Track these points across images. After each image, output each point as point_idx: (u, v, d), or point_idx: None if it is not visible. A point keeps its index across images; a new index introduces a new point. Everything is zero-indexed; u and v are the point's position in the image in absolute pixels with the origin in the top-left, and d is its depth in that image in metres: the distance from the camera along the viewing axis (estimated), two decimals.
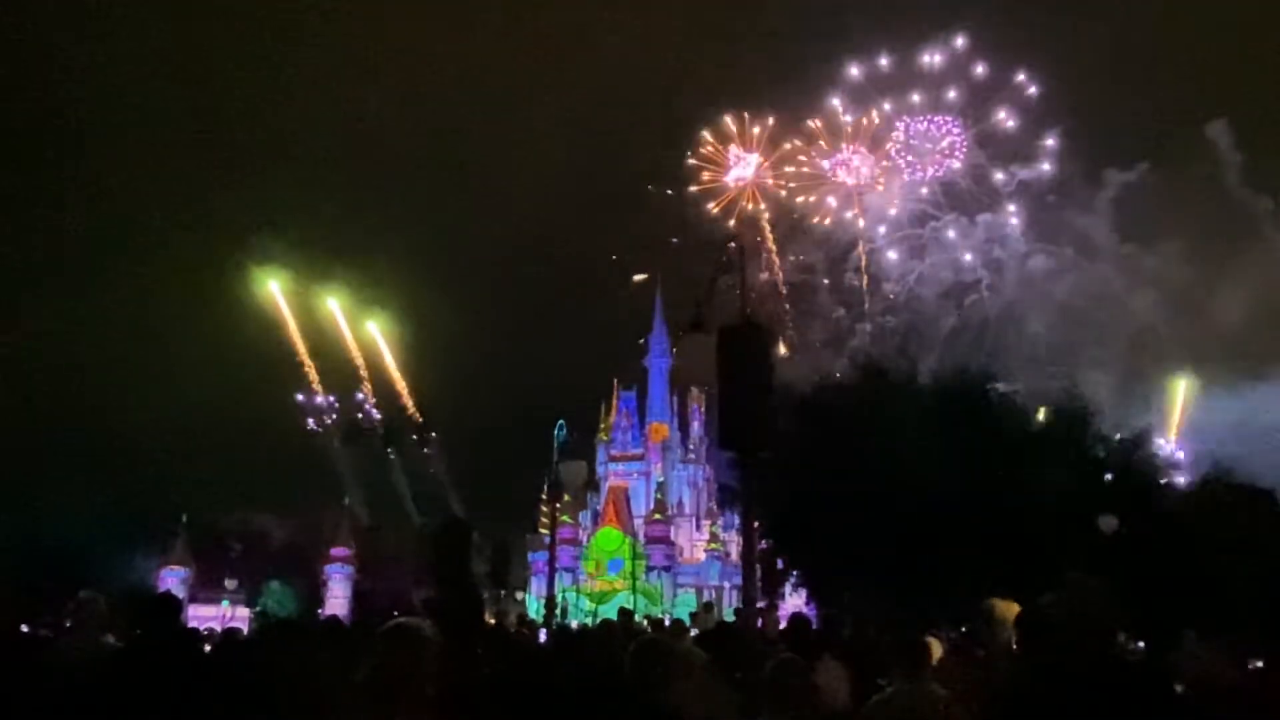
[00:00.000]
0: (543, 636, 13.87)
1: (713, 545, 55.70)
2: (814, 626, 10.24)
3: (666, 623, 14.15)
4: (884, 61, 56.32)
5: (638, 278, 58.36)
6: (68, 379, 54.29)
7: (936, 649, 5.78)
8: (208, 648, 7.78)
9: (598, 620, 16.13)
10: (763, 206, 56.72)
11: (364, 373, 62.96)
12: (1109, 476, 27.05)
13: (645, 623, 14.65)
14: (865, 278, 52.61)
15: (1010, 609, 4.70)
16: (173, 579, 50.47)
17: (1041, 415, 29.41)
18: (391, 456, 58.37)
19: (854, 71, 56.10)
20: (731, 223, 53.88)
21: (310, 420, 59.59)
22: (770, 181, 54.65)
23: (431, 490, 57.83)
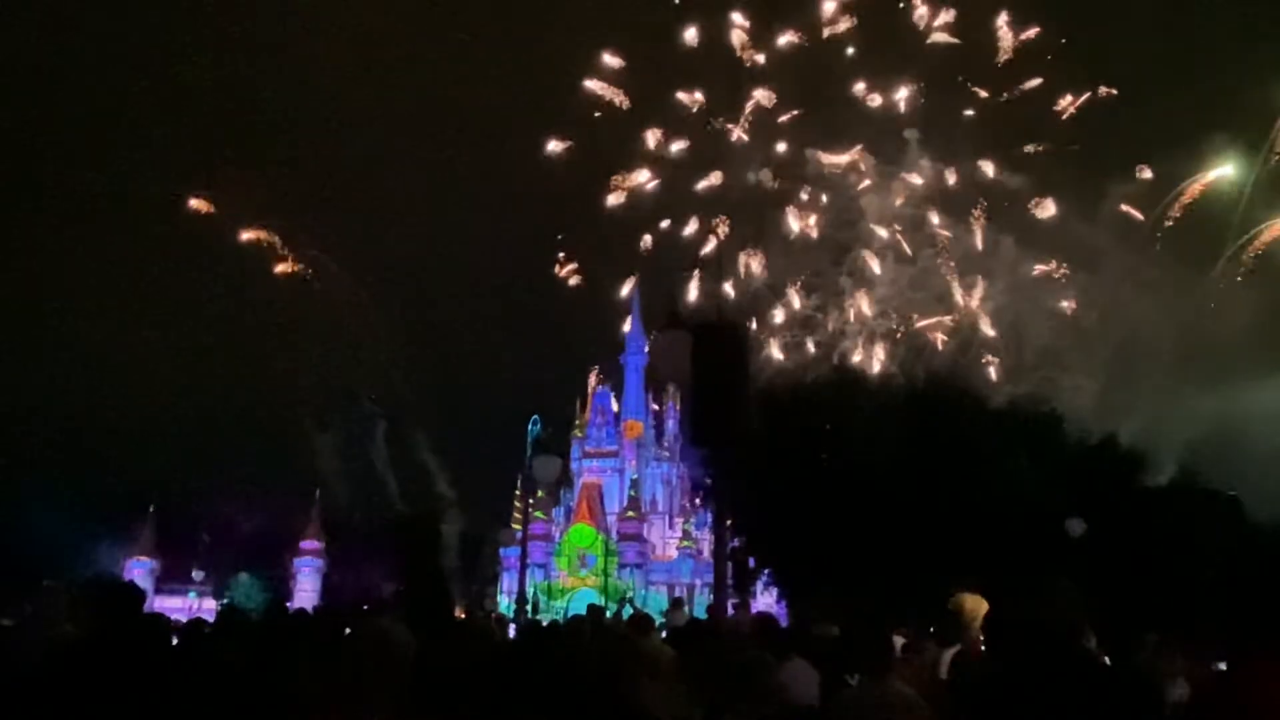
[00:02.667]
0: (512, 631, 13.83)
1: (685, 543, 55.82)
2: (784, 625, 10.27)
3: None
4: None
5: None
6: (28, 363, 53.47)
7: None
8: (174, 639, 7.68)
9: (568, 616, 16.11)
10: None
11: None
12: (1079, 478, 27.38)
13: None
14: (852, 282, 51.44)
15: (980, 605, 4.71)
16: (139, 569, 49.89)
17: (1013, 418, 29.69)
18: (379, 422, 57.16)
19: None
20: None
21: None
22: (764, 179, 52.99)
23: (414, 478, 57.38)
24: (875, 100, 49.85)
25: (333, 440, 57.64)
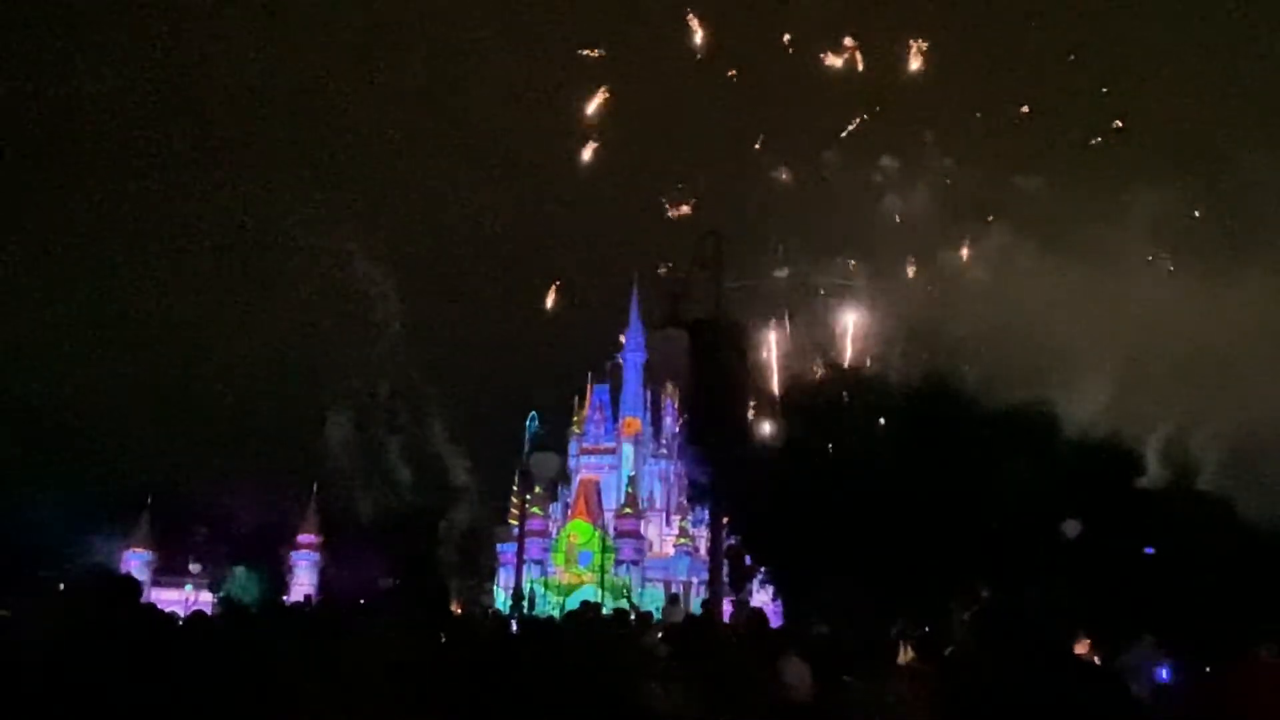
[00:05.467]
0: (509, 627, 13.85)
1: (682, 540, 55.87)
2: (779, 623, 10.31)
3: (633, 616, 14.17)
4: None
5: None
6: (25, 354, 53.41)
7: (903, 650, 5.87)
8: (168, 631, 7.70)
9: (564, 612, 16.12)
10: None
11: None
12: (1076, 479, 27.34)
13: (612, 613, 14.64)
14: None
15: None
16: (135, 561, 49.90)
17: (1011, 418, 29.59)
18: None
19: None
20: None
21: None
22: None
23: (413, 473, 57.31)
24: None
25: (333, 433, 57.64)
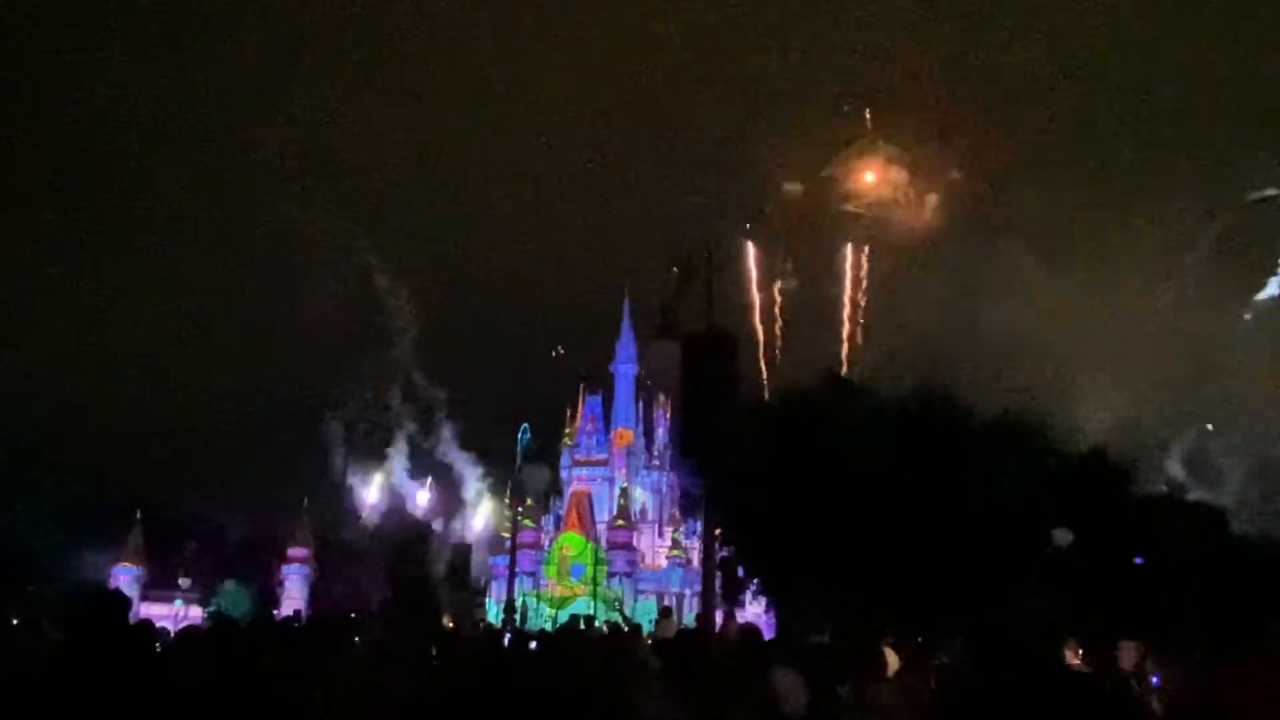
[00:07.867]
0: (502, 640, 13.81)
1: (675, 552, 55.73)
2: (771, 635, 10.31)
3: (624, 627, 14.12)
4: None
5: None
6: (13, 366, 53.14)
7: (893, 660, 5.90)
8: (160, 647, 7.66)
9: (557, 625, 16.06)
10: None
11: None
12: (1067, 488, 27.43)
13: (604, 627, 14.60)
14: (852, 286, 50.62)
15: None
16: (125, 576, 49.55)
17: (1003, 427, 29.66)
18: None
19: None
20: None
21: None
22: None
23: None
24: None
25: (325, 445, 57.50)
